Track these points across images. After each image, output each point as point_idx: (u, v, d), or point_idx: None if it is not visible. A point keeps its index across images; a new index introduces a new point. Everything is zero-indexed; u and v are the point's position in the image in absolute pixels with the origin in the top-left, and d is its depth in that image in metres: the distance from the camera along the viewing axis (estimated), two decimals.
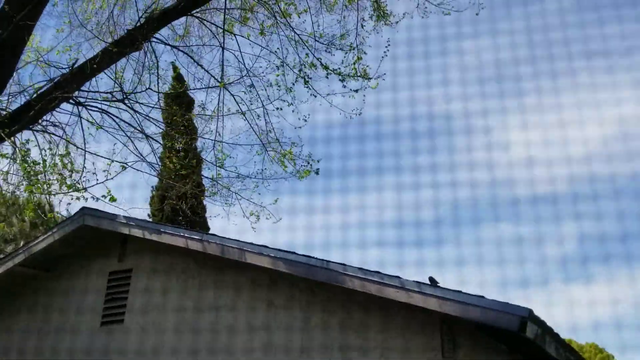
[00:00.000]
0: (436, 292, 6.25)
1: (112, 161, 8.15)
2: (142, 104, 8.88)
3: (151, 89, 9.23)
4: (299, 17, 9.55)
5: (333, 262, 7.04)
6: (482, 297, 6.03)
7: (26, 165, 7.60)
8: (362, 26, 9.97)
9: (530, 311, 5.74)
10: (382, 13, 9.87)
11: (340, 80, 9.53)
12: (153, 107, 8.94)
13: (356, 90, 9.46)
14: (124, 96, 8.62)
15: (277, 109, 9.28)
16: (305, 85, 9.40)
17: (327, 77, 9.55)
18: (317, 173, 9.27)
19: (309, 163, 9.19)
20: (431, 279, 6.49)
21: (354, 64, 9.63)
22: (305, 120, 9.24)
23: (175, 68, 10.94)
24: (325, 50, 9.71)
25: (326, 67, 9.45)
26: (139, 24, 8.40)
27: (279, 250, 7.41)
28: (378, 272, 6.69)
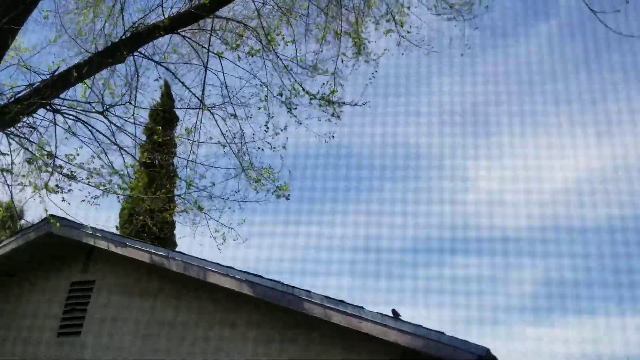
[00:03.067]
0: (398, 325, 6.31)
1: (87, 171, 8.09)
2: (120, 117, 8.86)
3: (130, 103, 9.21)
4: (286, 46, 9.69)
5: (298, 288, 7.06)
6: (442, 333, 6.11)
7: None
8: (342, 61, 10.16)
9: (488, 350, 5.83)
10: (361, 49, 10.07)
11: (319, 105, 9.68)
12: (128, 121, 8.89)
13: (333, 114, 9.61)
14: (104, 108, 8.59)
15: (263, 137, 9.34)
16: (289, 112, 9.50)
17: (311, 103, 9.68)
18: (287, 198, 9.30)
19: (280, 188, 9.23)
20: (394, 311, 6.55)
21: (330, 94, 9.78)
22: (284, 147, 9.33)
23: (167, 86, 10.95)
24: (308, 75, 9.88)
25: (307, 92, 9.59)
26: (124, 37, 8.44)
27: (245, 272, 7.41)
28: (342, 302, 6.73)
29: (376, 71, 9.75)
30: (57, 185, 7.91)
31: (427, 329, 6.19)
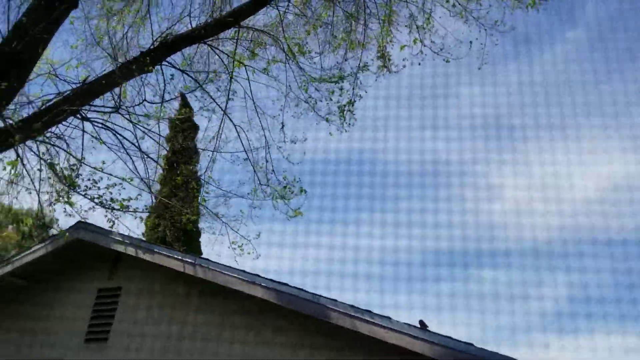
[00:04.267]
0: (425, 335, 6.26)
1: (115, 177, 8.19)
2: (141, 115, 8.93)
3: (147, 101, 9.25)
4: (310, 55, 9.83)
5: (324, 297, 7.05)
6: (472, 344, 6.06)
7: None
8: (362, 70, 10.27)
9: None
10: (386, 60, 10.16)
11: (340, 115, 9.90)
12: (152, 120, 8.98)
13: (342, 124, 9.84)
14: (120, 107, 8.65)
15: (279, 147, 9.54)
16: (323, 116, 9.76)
17: (331, 99, 9.94)
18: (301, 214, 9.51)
19: (294, 212, 9.41)
20: (421, 322, 6.50)
21: (348, 104, 9.97)
22: (298, 163, 9.55)
23: (183, 96, 11.10)
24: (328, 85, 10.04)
25: (331, 79, 9.81)
26: (152, 47, 8.55)
27: (271, 280, 7.43)
28: (369, 311, 6.71)
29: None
30: (59, 195, 7.90)
31: (455, 340, 6.14)
